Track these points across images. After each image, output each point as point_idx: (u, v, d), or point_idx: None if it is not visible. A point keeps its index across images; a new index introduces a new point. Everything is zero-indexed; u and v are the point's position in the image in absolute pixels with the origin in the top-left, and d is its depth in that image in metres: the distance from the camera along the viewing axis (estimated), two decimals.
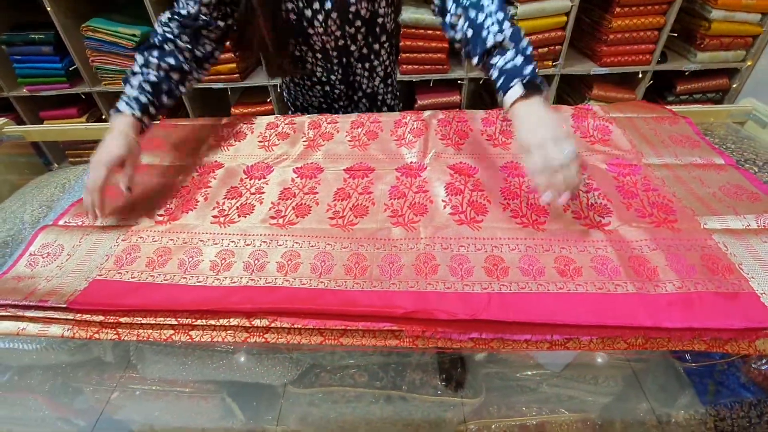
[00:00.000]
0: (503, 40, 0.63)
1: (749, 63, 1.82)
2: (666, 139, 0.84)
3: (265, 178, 0.78)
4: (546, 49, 1.78)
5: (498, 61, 0.63)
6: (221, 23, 0.81)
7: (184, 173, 0.81)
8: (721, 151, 0.81)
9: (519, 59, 0.62)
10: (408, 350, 0.57)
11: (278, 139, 0.88)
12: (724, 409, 0.70)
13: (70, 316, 0.56)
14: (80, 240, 0.66)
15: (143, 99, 0.73)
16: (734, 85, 1.89)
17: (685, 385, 0.74)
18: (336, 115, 0.94)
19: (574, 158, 0.56)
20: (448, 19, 0.72)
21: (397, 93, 1.07)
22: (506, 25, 0.64)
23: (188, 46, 0.78)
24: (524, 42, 0.64)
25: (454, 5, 0.71)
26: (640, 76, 1.85)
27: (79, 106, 1.99)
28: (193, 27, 0.78)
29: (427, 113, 0.93)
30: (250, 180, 0.78)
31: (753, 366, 0.72)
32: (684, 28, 1.83)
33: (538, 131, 0.58)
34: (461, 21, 0.69)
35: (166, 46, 0.77)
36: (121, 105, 0.73)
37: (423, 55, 1.80)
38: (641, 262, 0.57)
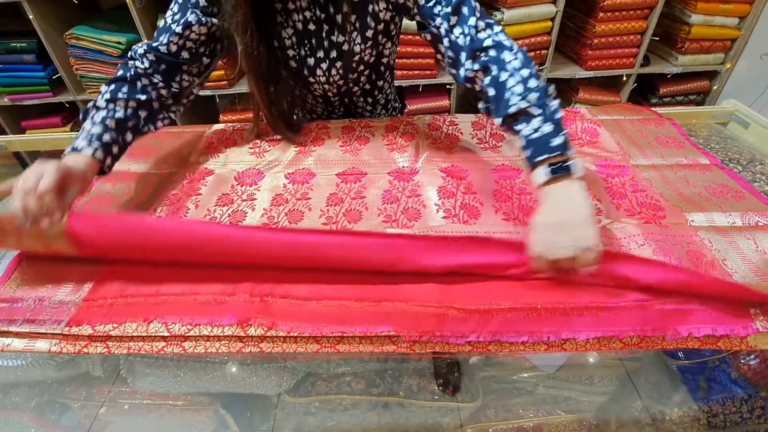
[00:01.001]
0: (528, 105, 0.57)
1: (728, 66, 1.87)
2: (652, 140, 0.86)
3: (256, 184, 0.78)
4: (532, 54, 1.81)
5: (523, 129, 0.58)
6: (205, 59, 0.76)
7: (174, 181, 0.80)
8: (706, 152, 0.83)
9: (547, 127, 0.56)
10: (405, 356, 0.56)
11: (269, 145, 0.88)
12: (716, 405, 0.71)
13: (58, 330, 0.54)
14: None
15: (106, 138, 0.65)
16: (714, 87, 1.94)
17: (677, 382, 0.75)
18: (327, 121, 0.94)
19: (585, 249, 0.50)
20: (462, 73, 0.66)
21: (398, 115, 1.04)
22: (532, 84, 0.58)
23: (162, 83, 0.72)
24: (552, 105, 0.58)
25: (470, 61, 0.64)
26: (624, 79, 1.89)
27: (63, 115, 1.95)
28: (171, 63, 0.72)
29: (418, 117, 0.93)
30: (242, 186, 0.77)
31: (742, 361, 0.73)
32: (665, 32, 1.87)
33: (550, 239, 0.52)
34: (481, 76, 0.64)
35: (138, 82, 0.71)
36: (79, 142, 0.63)
37: (412, 60, 1.82)
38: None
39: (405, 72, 1.86)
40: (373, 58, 0.83)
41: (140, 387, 0.72)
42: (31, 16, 1.61)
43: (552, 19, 1.73)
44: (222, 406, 0.73)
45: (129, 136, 0.70)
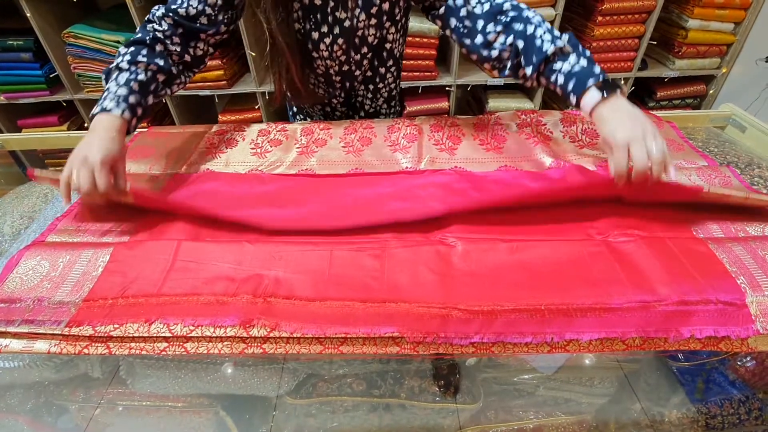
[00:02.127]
0: (563, 45, 0.65)
1: (724, 70, 1.89)
2: None
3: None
4: None
5: (562, 66, 0.64)
6: (223, 27, 0.76)
7: (175, 182, 0.79)
8: (705, 155, 0.84)
9: (583, 61, 0.64)
10: (408, 357, 0.56)
11: (271, 146, 0.87)
12: (714, 407, 0.71)
13: (58, 331, 0.54)
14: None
15: (132, 99, 0.68)
16: (711, 91, 1.96)
17: (675, 384, 0.75)
18: (329, 122, 0.94)
19: (661, 157, 0.57)
20: (479, 40, 0.71)
21: (401, 114, 1.04)
22: (556, 32, 0.66)
23: (178, 49, 0.73)
24: (580, 45, 0.66)
25: (491, 24, 0.69)
26: (622, 82, 1.90)
27: (60, 114, 1.93)
28: (189, 28, 0.72)
29: (419, 119, 0.93)
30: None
31: (738, 363, 0.74)
32: (662, 37, 1.89)
33: (625, 130, 0.59)
34: (502, 37, 0.69)
35: (157, 47, 0.72)
36: (107, 103, 0.66)
37: (411, 62, 1.82)
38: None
39: (404, 73, 1.86)
40: (376, 41, 0.82)
41: (139, 388, 0.72)
42: (28, 14, 1.59)
43: (551, 23, 1.74)
44: (222, 408, 0.73)
45: (150, 99, 0.72)
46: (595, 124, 0.64)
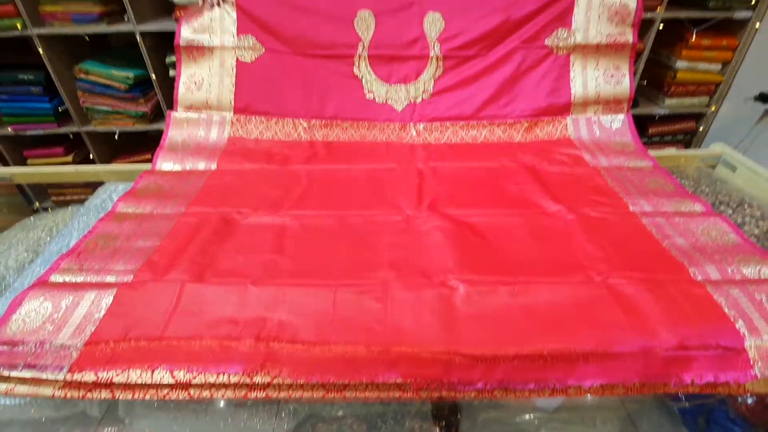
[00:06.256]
0: None
1: (713, 108, 1.95)
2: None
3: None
4: None
5: None
6: None
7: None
8: (698, 198, 0.85)
9: None
10: (410, 400, 0.56)
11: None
12: None
13: (60, 377, 0.53)
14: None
15: None
16: (701, 128, 2.01)
17: (678, 423, 0.75)
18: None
19: None
20: None
21: None
22: None
23: None
24: None
25: None
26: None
27: (65, 145, 1.96)
28: None
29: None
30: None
31: (739, 400, 0.74)
32: (653, 77, 1.96)
33: None
34: None
35: None
36: None
37: None
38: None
39: None
40: None
41: (138, 429, 0.71)
42: (40, 50, 1.65)
43: None
44: None
45: None
46: None
